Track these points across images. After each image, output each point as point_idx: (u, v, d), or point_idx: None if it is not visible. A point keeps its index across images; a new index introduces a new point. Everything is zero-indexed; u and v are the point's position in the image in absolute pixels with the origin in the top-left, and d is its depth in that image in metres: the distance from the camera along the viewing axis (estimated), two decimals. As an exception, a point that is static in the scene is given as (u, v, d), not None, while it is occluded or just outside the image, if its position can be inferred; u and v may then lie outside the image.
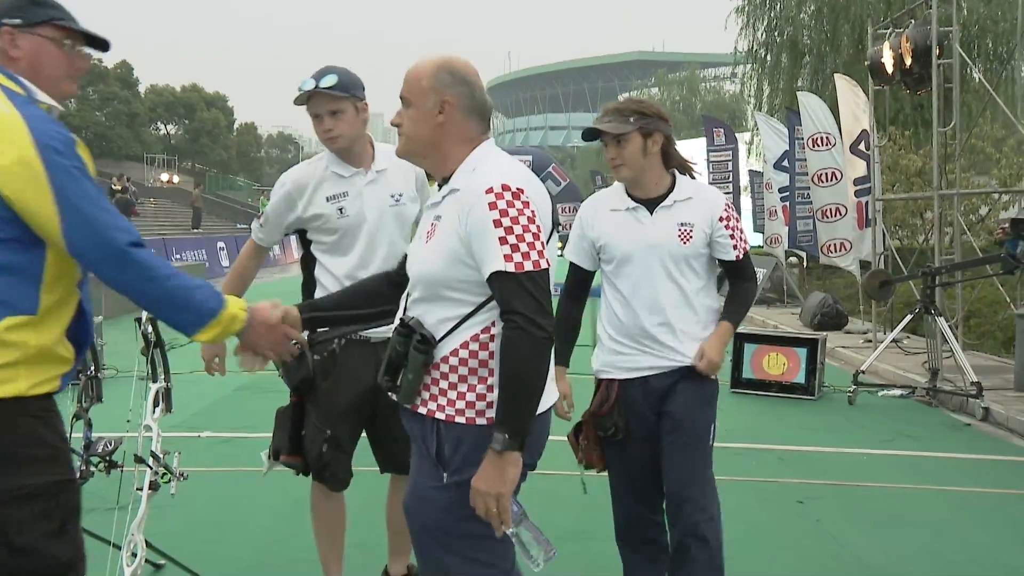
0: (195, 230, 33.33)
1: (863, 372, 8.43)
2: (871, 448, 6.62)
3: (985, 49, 18.14)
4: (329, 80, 3.29)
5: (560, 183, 49.92)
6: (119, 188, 28.83)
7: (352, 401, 3.32)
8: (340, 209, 3.34)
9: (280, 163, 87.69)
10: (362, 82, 3.40)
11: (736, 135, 21.24)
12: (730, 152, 19.48)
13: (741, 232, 3.25)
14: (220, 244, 23.78)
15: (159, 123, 60.80)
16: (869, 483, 5.69)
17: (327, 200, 3.34)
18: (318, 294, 3.38)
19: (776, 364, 8.59)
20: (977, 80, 15.34)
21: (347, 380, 3.28)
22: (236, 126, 64.42)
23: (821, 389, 8.52)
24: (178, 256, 22.63)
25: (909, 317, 8.55)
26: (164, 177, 48.31)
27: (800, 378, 8.46)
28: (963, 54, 10.33)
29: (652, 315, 3.17)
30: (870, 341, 11.21)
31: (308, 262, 3.46)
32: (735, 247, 3.23)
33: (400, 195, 3.43)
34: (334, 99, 3.30)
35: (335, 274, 3.36)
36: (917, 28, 9.30)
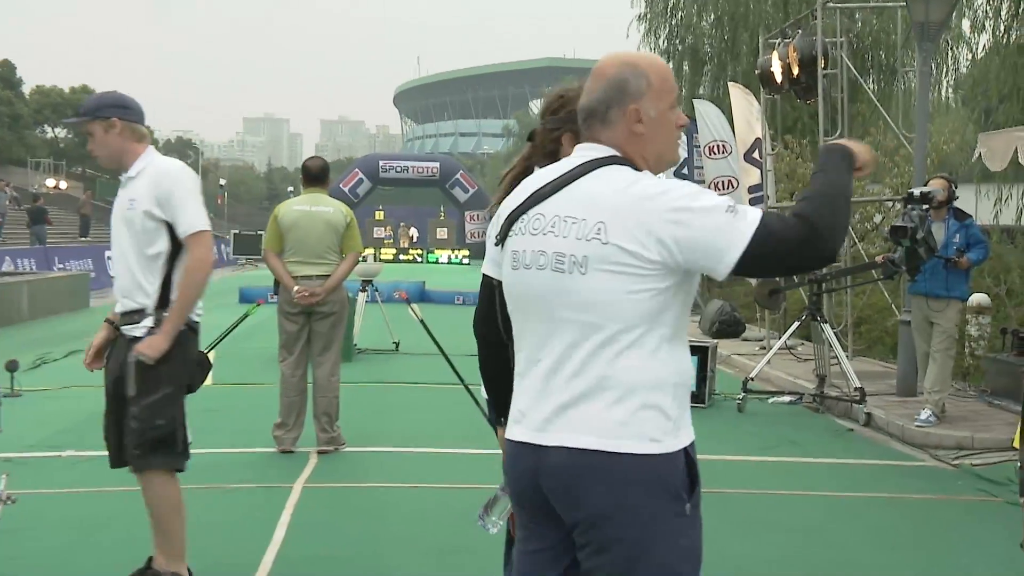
0: (82, 238, 32.27)
1: (752, 379, 8.66)
2: (754, 455, 6.81)
3: (878, 60, 18.89)
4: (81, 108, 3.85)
5: (469, 190, 49.79)
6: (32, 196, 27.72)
7: (107, 387, 3.80)
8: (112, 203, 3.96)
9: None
10: (117, 100, 3.81)
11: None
12: (633, 160, 19.85)
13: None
14: (109, 253, 23.00)
15: (45, 126, 58.74)
16: (748, 490, 5.86)
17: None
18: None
19: (668, 372, 8.75)
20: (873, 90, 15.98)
21: (107, 367, 3.81)
22: (129, 130, 62.57)
23: (712, 397, 8.73)
24: (61, 265, 21.85)
25: (796, 324, 8.85)
26: (50, 183, 46.64)
27: (691, 386, 8.62)
28: (851, 65, 10.76)
29: None
30: (765, 348, 11.52)
31: None
32: None
33: (133, 201, 3.73)
34: (82, 123, 3.79)
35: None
36: (803, 38, 9.65)
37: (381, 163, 43.95)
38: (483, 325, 2.45)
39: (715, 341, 9.55)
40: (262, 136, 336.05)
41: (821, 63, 9.47)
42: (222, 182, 44.97)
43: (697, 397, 8.53)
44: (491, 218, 3.09)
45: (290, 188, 61.46)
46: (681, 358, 2.11)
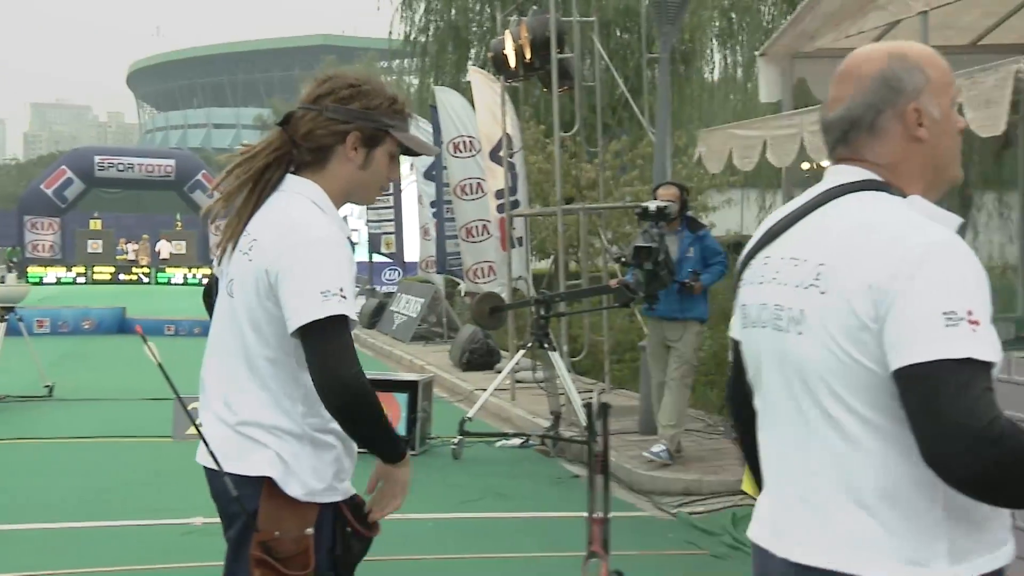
0: None
1: (470, 419, 8.74)
2: (447, 512, 6.84)
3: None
4: None
5: (213, 194, 49.14)
6: None
7: None
8: None
9: None
10: None
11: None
12: (389, 159, 19.90)
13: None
14: None
15: None
16: (420, 555, 5.85)
17: None
18: None
19: (374, 414, 8.71)
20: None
21: None
22: None
23: (427, 442, 8.75)
24: None
25: (521, 353, 9.01)
26: None
27: (401, 429, 8.62)
28: (602, 50, 11.18)
29: None
30: (520, 381, 11.68)
31: None
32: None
33: None
34: None
35: None
36: (536, 16, 9.92)
37: (97, 159, 42.19)
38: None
39: (429, 375, 9.62)
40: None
41: (555, 47, 9.75)
42: None
43: (408, 443, 8.55)
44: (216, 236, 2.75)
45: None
46: None
